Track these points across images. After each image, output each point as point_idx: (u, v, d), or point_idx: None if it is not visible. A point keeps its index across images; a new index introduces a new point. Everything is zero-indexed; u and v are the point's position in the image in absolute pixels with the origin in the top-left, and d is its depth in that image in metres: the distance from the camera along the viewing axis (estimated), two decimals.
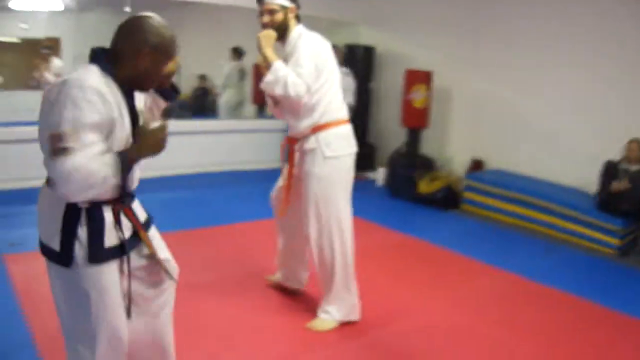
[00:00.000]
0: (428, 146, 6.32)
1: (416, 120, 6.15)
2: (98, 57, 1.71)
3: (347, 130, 2.93)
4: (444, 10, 6.43)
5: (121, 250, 1.78)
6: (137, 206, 1.92)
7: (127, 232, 1.82)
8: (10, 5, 7.79)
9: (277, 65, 2.73)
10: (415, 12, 6.78)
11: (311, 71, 2.74)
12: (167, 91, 1.99)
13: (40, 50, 8.02)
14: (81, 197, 1.62)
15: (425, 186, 5.69)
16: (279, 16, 2.83)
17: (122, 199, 1.77)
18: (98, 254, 1.70)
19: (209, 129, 6.99)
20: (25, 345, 2.60)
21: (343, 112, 2.94)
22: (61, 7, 8.43)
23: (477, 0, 6.09)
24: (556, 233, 4.90)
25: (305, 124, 2.85)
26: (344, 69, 6.27)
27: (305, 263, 3.26)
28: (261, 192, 3.75)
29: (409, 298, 3.43)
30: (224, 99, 8.24)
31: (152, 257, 1.91)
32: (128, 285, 1.83)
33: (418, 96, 6.06)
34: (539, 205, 5.02)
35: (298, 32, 2.86)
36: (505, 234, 4.93)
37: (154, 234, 1.99)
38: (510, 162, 5.83)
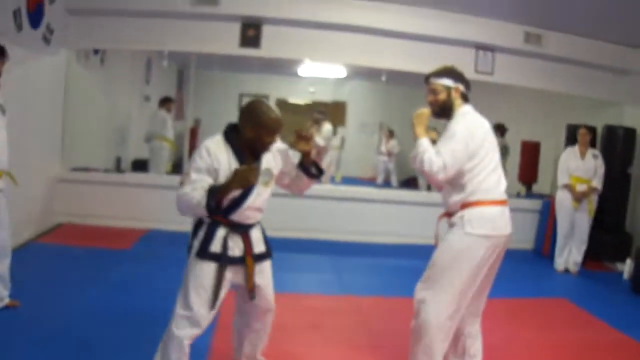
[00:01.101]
0: None
1: None
2: (226, 130, 2.50)
3: (497, 211, 2.86)
4: None
5: (221, 258, 2.45)
6: (257, 239, 2.60)
7: (239, 252, 2.51)
8: (299, 72, 9.21)
9: (421, 141, 2.82)
10: None
11: (454, 150, 2.75)
12: (311, 170, 2.69)
13: (314, 114, 8.65)
14: (187, 214, 2.42)
15: None
16: (442, 96, 2.92)
17: (233, 226, 2.48)
18: (202, 252, 2.46)
19: None
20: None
21: (497, 193, 2.88)
22: (343, 75, 9.65)
23: None
24: None
25: (455, 199, 2.88)
26: (593, 151, 6.27)
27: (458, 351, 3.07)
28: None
29: None
30: None
31: (249, 280, 2.54)
32: (219, 285, 2.45)
33: None
34: None
35: (462, 112, 2.91)
36: None
37: (265, 266, 2.65)
38: None
